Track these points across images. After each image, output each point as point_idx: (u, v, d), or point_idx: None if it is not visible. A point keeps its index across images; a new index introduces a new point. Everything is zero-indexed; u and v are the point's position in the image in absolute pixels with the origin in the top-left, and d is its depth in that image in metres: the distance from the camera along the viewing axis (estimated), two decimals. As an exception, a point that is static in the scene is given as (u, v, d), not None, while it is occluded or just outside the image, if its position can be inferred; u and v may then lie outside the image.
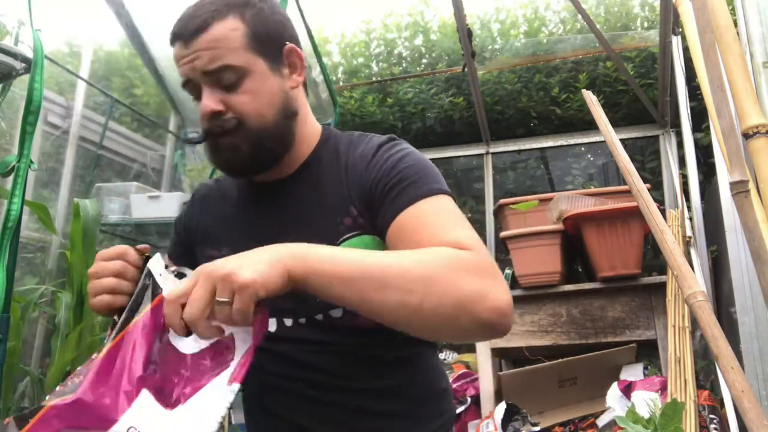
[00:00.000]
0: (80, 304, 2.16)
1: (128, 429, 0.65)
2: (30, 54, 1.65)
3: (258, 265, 0.67)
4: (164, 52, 3.67)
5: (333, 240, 0.89)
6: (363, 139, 0.98)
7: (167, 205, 3.18)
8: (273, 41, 0.90)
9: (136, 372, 0.69)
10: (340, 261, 0.71)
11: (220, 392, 0.69)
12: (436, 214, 0.83)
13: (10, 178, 1.58)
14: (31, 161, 1.59)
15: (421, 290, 0.69)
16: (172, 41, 0.89)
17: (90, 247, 2.18)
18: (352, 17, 3.77)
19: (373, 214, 0.88)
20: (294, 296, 0.90)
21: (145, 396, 0.68)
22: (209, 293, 0.65)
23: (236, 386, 0.70)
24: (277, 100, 0.90)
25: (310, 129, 0.99)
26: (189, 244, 1.06)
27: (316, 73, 3.57)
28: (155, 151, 3.85)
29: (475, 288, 0.70)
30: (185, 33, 0.86)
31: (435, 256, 0.73)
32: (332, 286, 0.70)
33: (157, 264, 0.77)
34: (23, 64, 1.69)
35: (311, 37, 3.08)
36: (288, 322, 0.93)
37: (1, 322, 1.50)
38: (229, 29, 0.86)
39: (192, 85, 0.88)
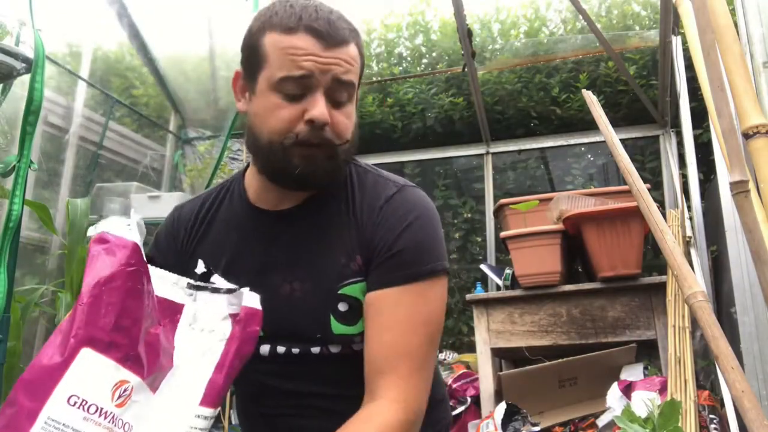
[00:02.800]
0: (80, 304, 2.16)
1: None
2: (31, 54, 1.65)
3: None
4: (164, 52, 3.67)
5: (339, 279, 0.91)
6: (369, 178, 0.98)
7: (167, 205, 3.17)
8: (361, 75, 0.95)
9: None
10: None
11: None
12: (409, 317, 0.86)
13: (10, 178, 1.58)
14: (31, 161, 1.59)
15: None
16: (296, 30, 0.84)
17: (77, 241, 2.17)
18: (352, 17, 3.76)
19: (368, 268, 0.91)
20: (291, 336, 0.92)
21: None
22: None
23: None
24: (354, 127, 0.93)
25: None
26: (171, 268, 1.01)
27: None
28: (155, 151, 3.84)
29: None
30: (329, 37, 0.85)
31: None
32: None
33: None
34: (24, 64, 1.69)
35: (311, 37, 3.07)
36: (281, 349, 0.93)
37: (2, 322, 1.50)
38: (357, 54, 0.91)
39: (303, 83, 0.84)
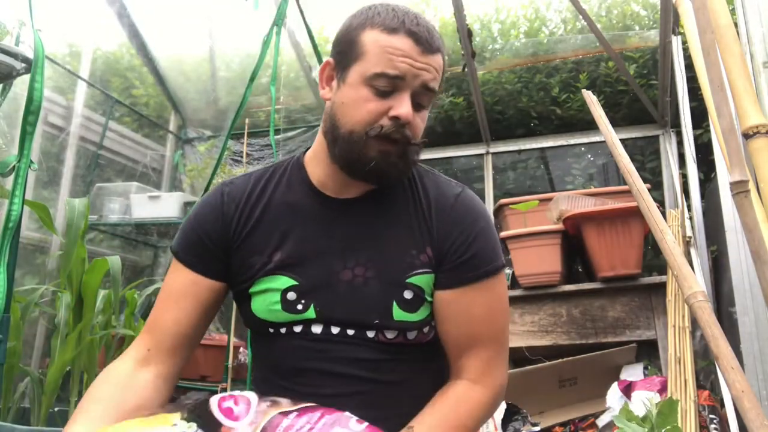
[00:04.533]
0: (80, 304, 2.16)
1: None
2: (30, 54, 1.65)
3: None
4: (164, 52, 3.67)
5: (408, 269, 0.97)
6: (430, 176, 1.06)
7: (167, 205, 3.18)
8: None
9: None
10: None
11: None
12: (486, 309, 0.99)
13: (10, 178, 1.58)
14: (31, 161, 1.59)
15: None
16: (398, 31, 0.91)
17: (74, 241, 2.17)
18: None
19: (438, 264, 0.98)
20: (348, 319, 0.96)
21: None
22: None
23: None
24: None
25: None
26: (219, 247, 1.00)
27: (316, 73, 3.57)
28: (155, 151, 3.85)
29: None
30: (427, 44, 0.91)
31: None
32: None
33: None
34: (24, 64, 1.69)
35: (311, 37, 3.08)
36: (335, 330, 0.96)
37: (2, 323, 1.50)
38: (442, 65, 0.96)
39: (395, 82, 0.90)
